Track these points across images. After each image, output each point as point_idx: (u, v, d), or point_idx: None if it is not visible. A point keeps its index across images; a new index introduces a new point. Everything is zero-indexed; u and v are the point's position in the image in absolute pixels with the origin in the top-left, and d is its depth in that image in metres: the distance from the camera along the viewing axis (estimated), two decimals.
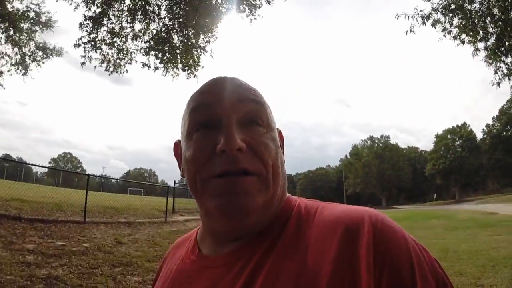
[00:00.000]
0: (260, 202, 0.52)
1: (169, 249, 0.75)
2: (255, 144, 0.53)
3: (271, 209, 0.55)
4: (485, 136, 61.33)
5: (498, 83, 5.77)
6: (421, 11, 5.91)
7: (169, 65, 8.03)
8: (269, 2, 7.40)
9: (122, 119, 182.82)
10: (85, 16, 7.58)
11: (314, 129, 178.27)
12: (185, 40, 8.06)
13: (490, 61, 5.89)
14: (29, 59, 10.79)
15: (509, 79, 5.79)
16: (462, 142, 63.05)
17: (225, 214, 0.52)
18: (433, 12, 5.82)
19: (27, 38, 10.63)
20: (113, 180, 73.30)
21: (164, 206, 12.60)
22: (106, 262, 5.37)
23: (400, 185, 70.81)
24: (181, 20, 7.95)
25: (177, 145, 0.65)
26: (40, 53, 10.93)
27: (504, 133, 57.58)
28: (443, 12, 5.80)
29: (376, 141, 75.82)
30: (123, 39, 8.11)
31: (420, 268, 0.44)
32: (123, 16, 7.91)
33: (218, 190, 0.52)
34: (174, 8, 7.95)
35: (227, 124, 0.53)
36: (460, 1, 5.63)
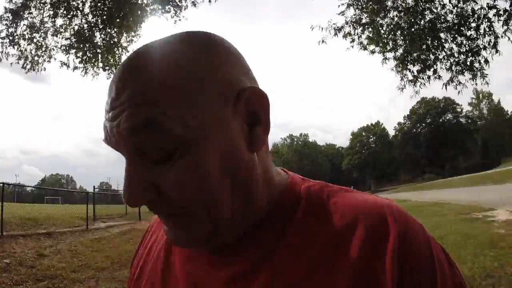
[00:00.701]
0: (200, 234, 0.41)
1: (154, 222, 0.62)
2: (165, 189, 0.38)
3: (231, 226, 0.43)
4: (397, 133, 68.32)
5: (402, 89, 6.58)
6: (334, 24, 6.26)
7: (88, 64, 7.66)
8: (194, 5, 7.42)
9: (36, 121, 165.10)
10: (5, 8, 6.93)
11: None
12: (108, 39, 7.76)
13: (399, 69, 6.64)
14: None
15: (414, 85, 6.60)
16: (376, 139, 69.40)
17: (173, 244, 0.48)
18: (346, 25, 6.38)
19: None
20: (28, 189, 66.29)
21: (85, 213, 11.79)
22: (30, 277, 5.13)
23: (319, 179, 75.35)
24: (104, 17, 7.63)
25: None
26: None
27: (414, 130, 64.96)
28: (354, 26, 6.40)
29: (296, 139, 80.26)
30: (43, 35, 7.55)
31: (443, 278, 0.40)
32: (45, 9, 7.35)
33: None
34: (99, 5, 7.60)
35: (126, 162, 0.39)
36: (373, 16, 6.31)
